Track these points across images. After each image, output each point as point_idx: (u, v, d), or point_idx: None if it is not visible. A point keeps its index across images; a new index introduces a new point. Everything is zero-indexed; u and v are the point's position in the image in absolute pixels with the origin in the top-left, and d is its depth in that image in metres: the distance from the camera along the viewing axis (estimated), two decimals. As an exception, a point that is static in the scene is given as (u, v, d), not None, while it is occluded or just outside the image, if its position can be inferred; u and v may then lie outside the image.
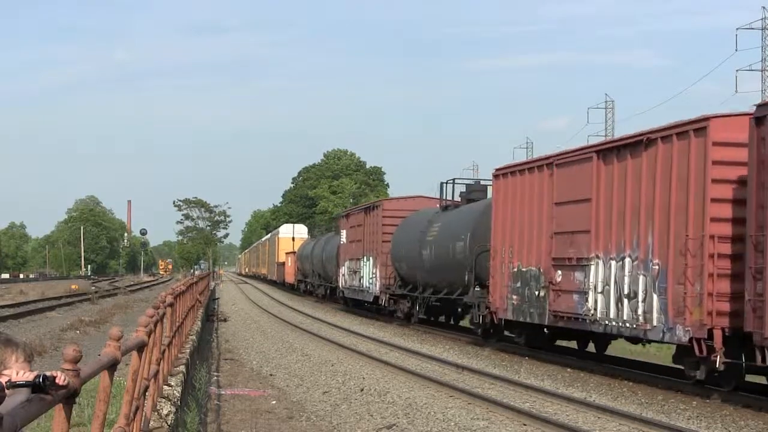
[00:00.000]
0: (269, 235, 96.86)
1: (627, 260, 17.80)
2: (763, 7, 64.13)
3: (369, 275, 37.45)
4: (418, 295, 31.98)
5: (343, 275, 43.10)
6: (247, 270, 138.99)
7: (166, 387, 11.60)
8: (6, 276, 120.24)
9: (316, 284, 55.92)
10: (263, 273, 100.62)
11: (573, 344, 23.06)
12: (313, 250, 56.27)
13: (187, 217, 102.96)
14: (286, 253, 74.29)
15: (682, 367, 16.68)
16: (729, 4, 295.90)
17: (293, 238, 78.88)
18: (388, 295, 34.87)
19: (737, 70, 66.88)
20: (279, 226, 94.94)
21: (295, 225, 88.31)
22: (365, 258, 38.16)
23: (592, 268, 18.97)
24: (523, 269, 21.98)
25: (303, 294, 61.89)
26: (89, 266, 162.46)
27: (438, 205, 32.39)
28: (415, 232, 31.55)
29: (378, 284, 35.95)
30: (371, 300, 37.55)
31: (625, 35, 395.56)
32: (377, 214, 37.15)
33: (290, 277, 69.23)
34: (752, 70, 64.91)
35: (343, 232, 43.55)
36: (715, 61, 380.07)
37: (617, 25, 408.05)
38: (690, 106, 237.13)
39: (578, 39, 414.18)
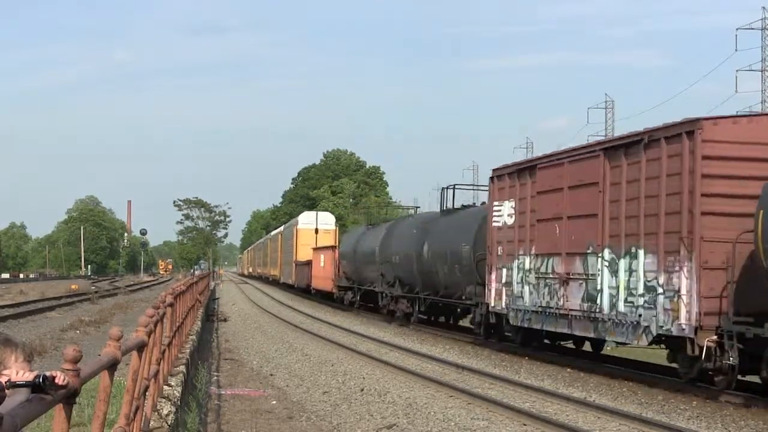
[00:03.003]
0: (282, 228, 79.41)
1: None
2: (763, 7, 64.23)
3: (635, 287, 17.63)
4: None
5: (506, 284, 22.90)
6: (250, 270, 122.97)
7: (166, 387, 11.60)
8: (6, 276, 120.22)
9: (392, 296, 35.10)
10: (272, 275, 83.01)
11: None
12: (389, 241, 35.99)
13: (187, 217, 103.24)
14: (314, 250, 55.21)
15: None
16: (729, 4, 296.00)
17: (316, 230, 62.24)
18: (723, 335, 15.39)
19: (737, 70, 66.87)
20: (279, 226, 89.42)
21: (320, 213, 69.47)
22: (612, 251, 18.42)
23: None
24: None
25: (350, 307, 43.13)
26: (89, 266, 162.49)
27: None
28: None
29: (687, 310, 16.00)
30: (646, 340, 17.42)
31: (625, 35, 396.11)
32: (683, 152, 16.34)
33: (324, 283, 49.61)
34: (752, 70, 65.02)
35: (504, 205, 23.19)
36: (715, 61, 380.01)
37: (617, 25, 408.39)
38: (690, 106, 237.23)
39: (578, 39, 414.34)
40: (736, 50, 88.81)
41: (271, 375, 19.60)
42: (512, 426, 13.35)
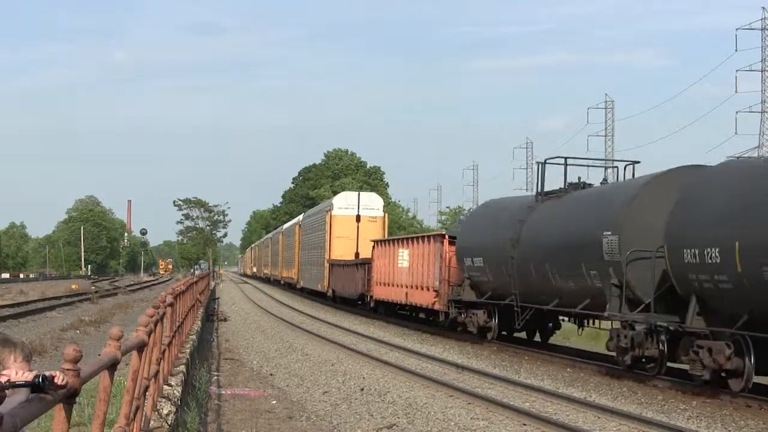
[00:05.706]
0: (300, 217, 64.06)
1: None
2: (763, 7, 64.33)
3: None
4: None
5: None
6: (254, 270, 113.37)
7: (166, 387, 11.59)
8: (6, 276, 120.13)
9: (662, 330, 17.13)
10: (285, 277, 68.67)
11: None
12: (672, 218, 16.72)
13: (187, 217, 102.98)
14: (377, 243, 38.15)
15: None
16: (729, 4, 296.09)
17: (358, 217, 45.74)
18: None
19: (737, 71, 66.86)
20: (279, 226, 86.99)
21: (362, 194, 49.21)
22: None
23: None
24: None
25: (479, 338, 26.26)
26: (89, 266, 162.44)
27: None
28: None
29: None
30: None
31: (625, 35, 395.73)
32: None
33: (417, 296, 31.74)
34: (752, 70, 65.10)
35: None
36: (715, 61, 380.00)
37: (617, 25, 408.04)
38: (690, 106, 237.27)
39: (578, 39, 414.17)
40: (736, 50, 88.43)
41: (271, 375, 19.60)
42: (512, 426, 13.34)
